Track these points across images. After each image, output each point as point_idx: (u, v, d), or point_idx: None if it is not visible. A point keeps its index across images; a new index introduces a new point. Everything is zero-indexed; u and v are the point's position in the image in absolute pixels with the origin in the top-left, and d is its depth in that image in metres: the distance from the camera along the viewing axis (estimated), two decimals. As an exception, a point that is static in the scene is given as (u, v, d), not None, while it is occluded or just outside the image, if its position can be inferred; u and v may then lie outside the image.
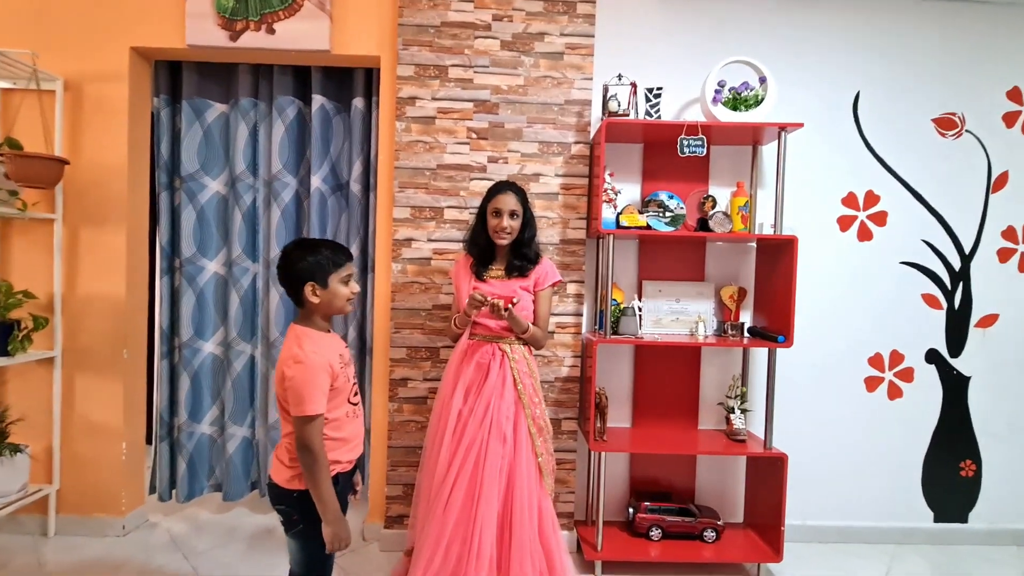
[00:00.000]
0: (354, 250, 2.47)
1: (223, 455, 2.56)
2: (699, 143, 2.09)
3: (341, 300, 1.42)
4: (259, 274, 2.55)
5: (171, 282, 2.54)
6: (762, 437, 2.27)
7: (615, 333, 2.20)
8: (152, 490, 2.55)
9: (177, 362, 2.53)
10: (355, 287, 1.46)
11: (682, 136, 2.10)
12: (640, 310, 2.31)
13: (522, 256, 1.93)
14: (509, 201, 1.86)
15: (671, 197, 2.35)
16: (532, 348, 1.96)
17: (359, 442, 1.48)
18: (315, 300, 1.38)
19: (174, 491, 2.55)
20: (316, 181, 2.49)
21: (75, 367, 2.32)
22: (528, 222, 1.92)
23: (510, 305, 1.79)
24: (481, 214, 1.94)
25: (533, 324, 1.91)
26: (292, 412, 1.31)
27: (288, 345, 1.37)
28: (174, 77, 2.51)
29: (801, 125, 2.16)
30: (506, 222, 1.85)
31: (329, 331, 1.45)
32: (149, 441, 2.56)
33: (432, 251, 2.33)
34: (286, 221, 2.51)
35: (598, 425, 2.19)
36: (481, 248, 1.95)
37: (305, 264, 1.37)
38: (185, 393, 2.51)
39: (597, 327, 2.35)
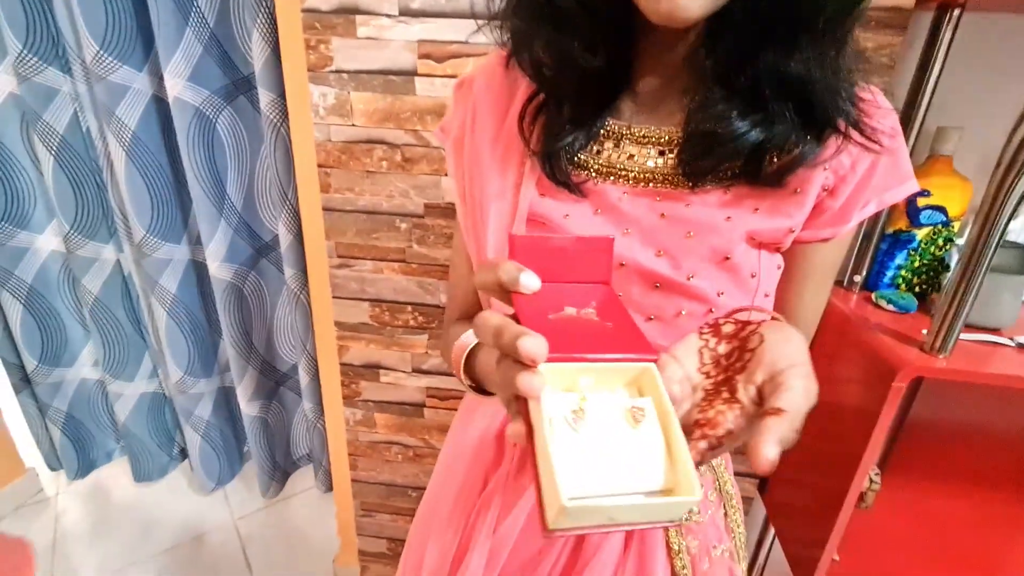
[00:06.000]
0: (257, 51, 0.97)
1: (115, 420, 1.54)
2: None
3: None
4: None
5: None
6: None
7: (969, 324, 0.69)
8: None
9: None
10: None
11: None
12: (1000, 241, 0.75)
13: (780, 78, 0.34)
14: None
15: None
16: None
17: None
18: None
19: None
20: None
21: None
22: None
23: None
24: None
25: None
26: None
27: None
28: None
29: None
30: None
31: None
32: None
33: (419, 39, 0.81)
34: None
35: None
36: (579, 31, 0.37)
37: None
38: (19, 327, 1.40)
39: (870, 280, 0.84)
